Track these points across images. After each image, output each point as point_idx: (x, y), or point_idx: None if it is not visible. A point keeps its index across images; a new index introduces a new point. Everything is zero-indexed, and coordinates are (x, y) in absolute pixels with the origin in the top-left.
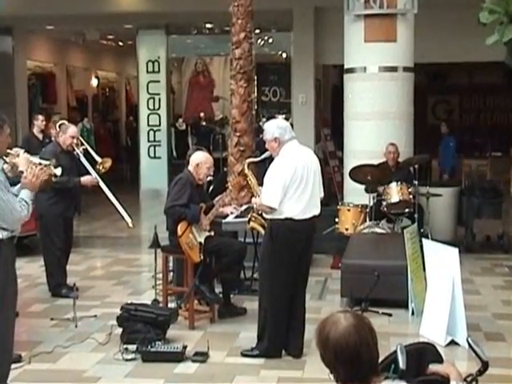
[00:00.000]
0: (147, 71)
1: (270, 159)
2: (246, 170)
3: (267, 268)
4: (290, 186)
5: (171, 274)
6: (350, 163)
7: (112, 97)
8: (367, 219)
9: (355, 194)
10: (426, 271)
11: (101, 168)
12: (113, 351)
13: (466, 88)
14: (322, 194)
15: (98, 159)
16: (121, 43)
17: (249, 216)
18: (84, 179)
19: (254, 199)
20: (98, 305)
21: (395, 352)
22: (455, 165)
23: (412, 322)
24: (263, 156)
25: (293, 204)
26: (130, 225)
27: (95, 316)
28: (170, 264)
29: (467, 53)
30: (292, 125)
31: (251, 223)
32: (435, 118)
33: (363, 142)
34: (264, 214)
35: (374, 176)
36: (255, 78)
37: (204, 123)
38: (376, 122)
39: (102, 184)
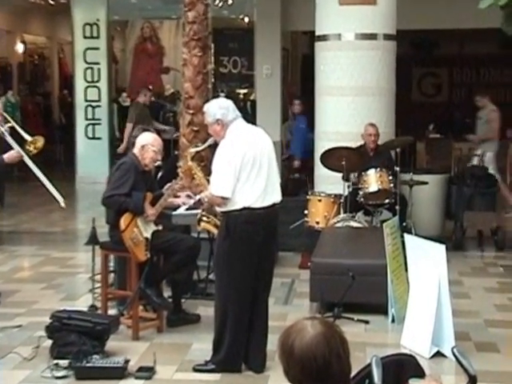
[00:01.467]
0: (84, 36)
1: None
2: (190, 162)
3: (224, 268)
4: (242, 170)
5: (112, 275)
6: (321, 146)
7: (42, 66)
8: (341, 211)
9: (328, 181)
10: (409, 271)
11: (31, 148)
12: (40, 368)
13: (457, 59)
14: (279, 180)
15: (28, 138)
16: (52, 1)
17: (198, 215)
18: (7, 155)
19: (202, 194)
20: (23, 312)
21: (370, 365)
22: (306, 150)
23: (392, 330)
24: (207, 143)
25: (247, 191)
26: (62, 204)
27: (20, 326)
28: (111, 264)
29: (458, 19)
30: (254, 101)
31: (202, 224)
32: (421, 94)
33: (337, 121)
34: (217, 208)
35: (349, 161)
36: (212, 45)
37: (152, 98)
38: (352, 99)
39: (27, 159)
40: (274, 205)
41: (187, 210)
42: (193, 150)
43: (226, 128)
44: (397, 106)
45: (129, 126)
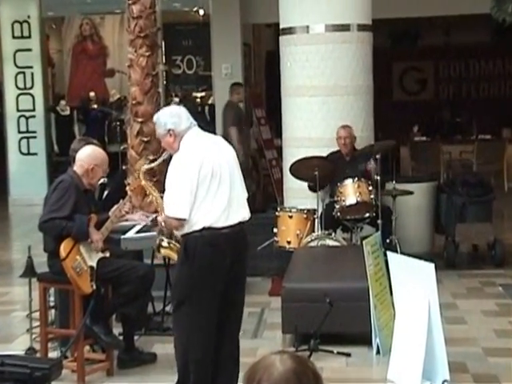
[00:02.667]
0: (13, 36)
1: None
2: (144, 182)
3: (184, 298)
4: (199, 186)
5: (52, 311)
6: (290, 154)
7: None
8: (316, 228)
9: (299, 195)
10: (394, 295)
11: None
12: None
13: (443, 51)
14: (247, 194)
15: None
16: None
17: (157, 241)
18: None
19: (159, 217)
20: None
21: None
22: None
23: (377, 363)
24: (161, 158)
25: (207, 209)
26: None
27: None
28: (51, 298)
29: (443, 4)
30: (213, 105)
31: (163, 251)
32: (403, 92)
33: (307, 125)
34: (175, 232)
35: (323, 171)
36: (162, 43)
37: (95, 106)
38: (324, 99)
39: None
40: (240, 223)
41: (138, 232)
42: (146, 166)
43: (179, 139)
44: (376, 106)
45: (233, 130)
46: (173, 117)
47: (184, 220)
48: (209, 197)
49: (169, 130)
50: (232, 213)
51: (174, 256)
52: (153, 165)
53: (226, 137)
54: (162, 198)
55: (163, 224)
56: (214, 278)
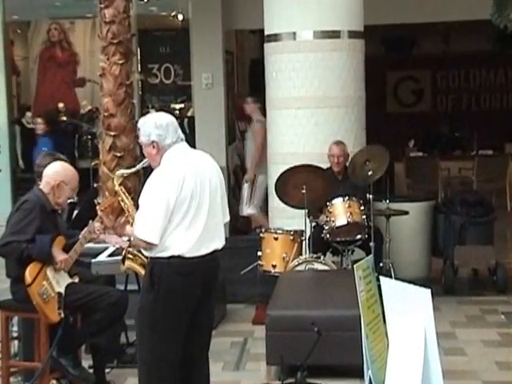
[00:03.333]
0: None
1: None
2: (117, 187)
3: (145, 328)
4: (176, 210)
5: (15, 342)
6: (276, 172)
7: None
8: (303, 251)
9: (286, 215)
10: (387, 324)
11: None
12: None
13: (441, 59)
14: (228, 218)
15: None
16: None
17: (123, 252)
18: None
19: (128, 227)
20: None
21: None
22: None
23: None
24: (141, 164)
25: (180, 236)
26: None
27: None
28: (14, 328)
29: (441, 10)
30: (193, 118)
31: (127, 263)
32: (398, 104)
33: (294, 140)
34: (142, 251)
35: (312, 189)
36: (137, 50)
37: (64, 118)
38: (312, 112)
39: None
40: (214, 252)
41: (111, 256)
42: (122, 171)
43: (162, 152)
44: (368, 119)
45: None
46: (158, 128)
47: (153, 245)
48: (184, 223)
49: (152, 142)
50: (206, 242)
51: (138, 269)
52: (129, 171)
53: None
54: (135, 207)
55: (132, 238)
56: (179, 308)
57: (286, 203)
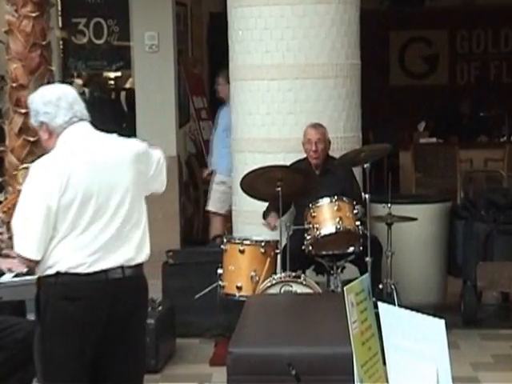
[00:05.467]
0: None
1: None
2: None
3: (39, 373)
4: (62, 215)
5: None
6: (242, 163)
7: None
8: (278, 268)
9: (255, 220)
10: (388, 365)
11: None
12: None
13: (462, 14)
14: (141, 229)
15: None
16: None
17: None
18: None
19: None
20: None
21: None
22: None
23: None
24: None
25: (71, 245)
26: None
27: None
28: None
29: None
30: (132, 91)
31: None
32: (405, 75)
33: (266, 122)
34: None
35: (288, 187)
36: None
37: None
38: (290, 85)
39: None
40: (123, 268)
41: (17, 276)
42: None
43: (55, 137)
44: (365, 94)
45: None
46: (46, 105)
47: (34, 262)
48: (77, 229)
49: (41, 124)
50: (111, 253)
51: None
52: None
53: None
54: None
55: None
56: (72, 346)
57: (256, 198)
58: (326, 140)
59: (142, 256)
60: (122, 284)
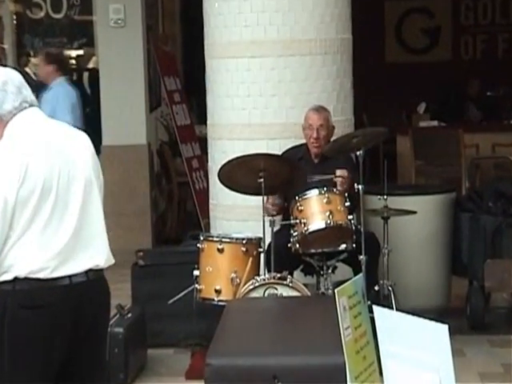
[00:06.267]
0: None
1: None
2: None
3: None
4: (19, 211)
5: None
6: (220, 152)
7: None
8: (261, 269)
9: (236, 215)
10: (385, 376)
11: None
12: None
13: None
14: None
15: None
16: None
17: None
18: None
19: None
20: None
21: None
22: None
23: None
24: None
25: (30, 247)
26: None
27: None
28: None
29: None
30: (96, 71)
31: None
32: (403, 49)
33: (247, 106)
34: None
35: (272, 178)
36: None
37: None
38: (273, 62)
39: None
40: (89, 272)
41: None
42: None
43: (3, 125)
44: (358, 72)
45: None
46: None
47: None
48: (34, 229)
49: None
50: (72, 256)
51: None
52: None
53: None
54: None
55: None
56: (33, 359)
57: (235, 190)
58: (330, 125)
59: (110, 258)
60: (86, 288)
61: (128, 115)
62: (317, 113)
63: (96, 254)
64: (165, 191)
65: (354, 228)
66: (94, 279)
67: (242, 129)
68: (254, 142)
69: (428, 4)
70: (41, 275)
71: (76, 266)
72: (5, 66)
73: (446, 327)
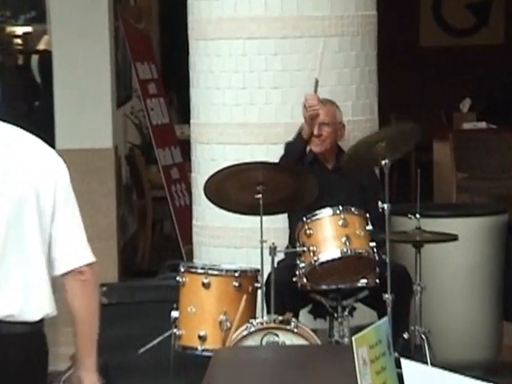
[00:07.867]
0: None
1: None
2: None
3: None
4: None
5: None
6: (207, 158)
7: None
8: (259, 310)
9: (226, 241)
10: None
11: None
12: None
13: None
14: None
15: None
16: None
17: None
18: None
19: None
20: None
21: None
22: None
23: None
24: None
25: None
26: None
27: None
28: None
29: None
30: (49, 53)
31: None
32: (442, 31)
33: (241, 101)
34: None
35: (274, 193)
36: None
37: None
38: (275, 47)
39: None
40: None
41: None
42: None
43: None
44: (385, 61)
45: None
46: None
47: None
48: None
49: None
50: None
51: None
52: None
53: None
54: None
55: None
56: None
57: (225, 208)
58: (337, 122)
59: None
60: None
61: (89, 111)
62: (326, 105)
63: (9, 299)
64: (135, 208)
65: (377, 258)
66: (8, 337)
67: (236, 130)
68: (250, 148)
69: None
70: None
71: None
72: None
73: None
